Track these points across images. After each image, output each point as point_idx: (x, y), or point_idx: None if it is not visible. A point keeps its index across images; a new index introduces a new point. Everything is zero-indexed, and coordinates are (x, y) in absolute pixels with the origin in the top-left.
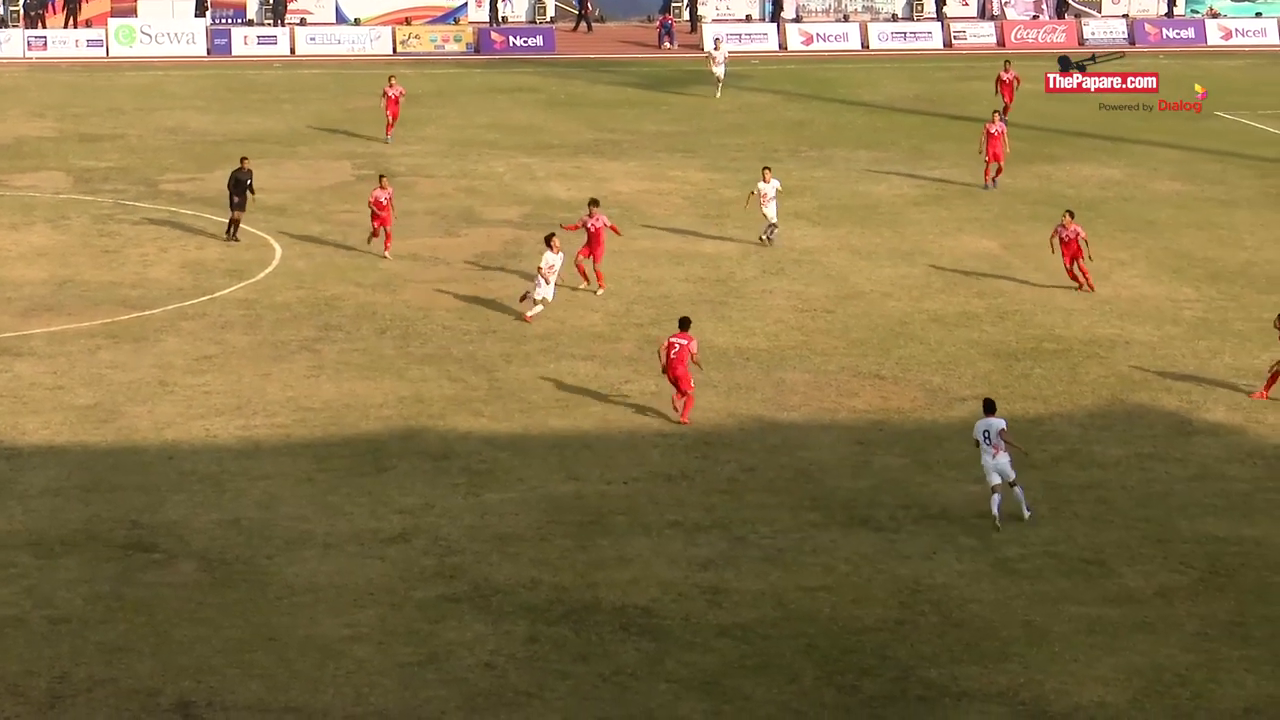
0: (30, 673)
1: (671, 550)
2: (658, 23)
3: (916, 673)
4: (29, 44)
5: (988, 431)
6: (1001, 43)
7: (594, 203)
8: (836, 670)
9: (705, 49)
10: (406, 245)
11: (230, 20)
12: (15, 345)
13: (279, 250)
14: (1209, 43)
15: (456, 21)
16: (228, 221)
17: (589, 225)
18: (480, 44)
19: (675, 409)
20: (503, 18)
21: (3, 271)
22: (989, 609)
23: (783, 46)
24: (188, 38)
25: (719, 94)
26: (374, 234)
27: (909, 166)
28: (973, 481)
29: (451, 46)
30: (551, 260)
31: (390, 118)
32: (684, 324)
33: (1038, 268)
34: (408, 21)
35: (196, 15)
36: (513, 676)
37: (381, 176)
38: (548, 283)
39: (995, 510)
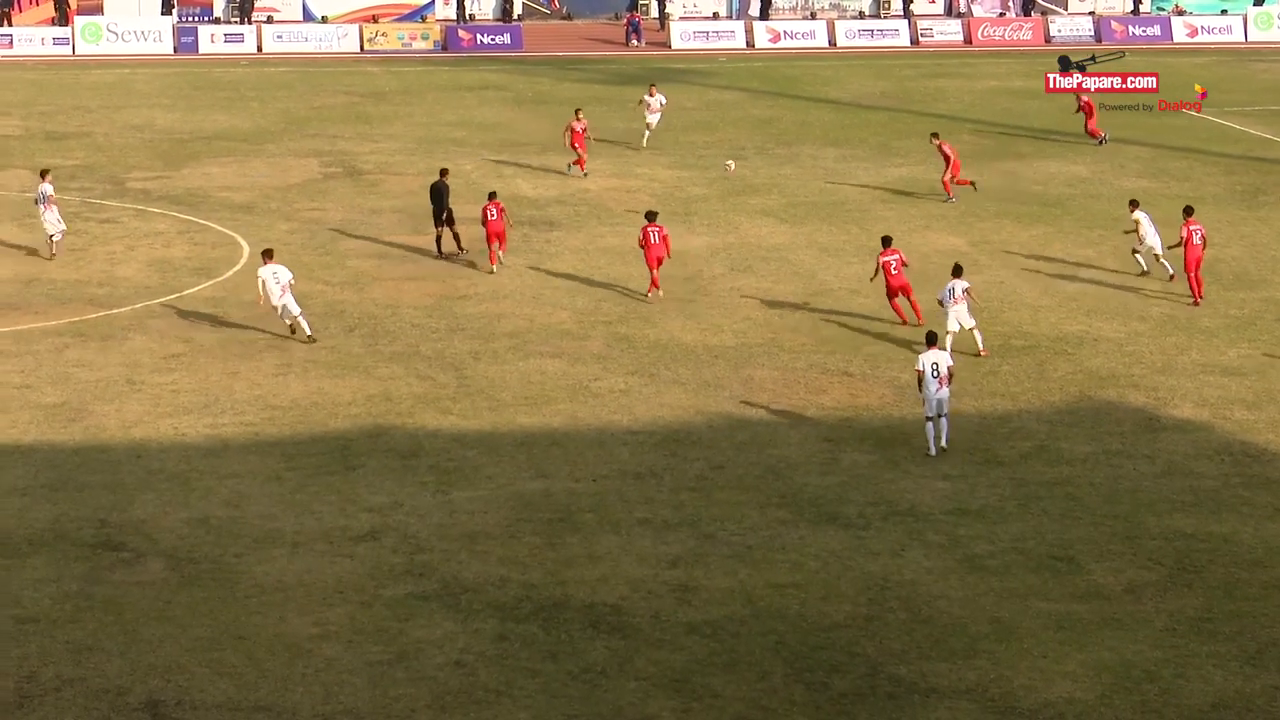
0: None
1: (640, 548)
2: (625, 20)
3: (885, 669)
4: None
5: (936, 365)
6: (968, 40)
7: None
8: (806, 667)
9: (644, 97)
10: (374, 244)
11: (197, 18)
12: None
13: (246, 248)
14: (1175, 40)
15: (424, 19)
16: (444, 238)
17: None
18: (448, 42)
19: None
20: (470, 15)
21: None
22: (957, 605)
23: (750, 44)
24: (154, 35)
25: (645, 143)
26: (491, 254)
27: (876, 163)
28: (940, 478)
29: (419, 44)
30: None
31: (579, 152)
32: (886, 241)
33: (1005, 264)
34: (375, 19)
35: (163, 13)
36: (482, 674)
37: (492, 194)
38: None
39: (931, 440)
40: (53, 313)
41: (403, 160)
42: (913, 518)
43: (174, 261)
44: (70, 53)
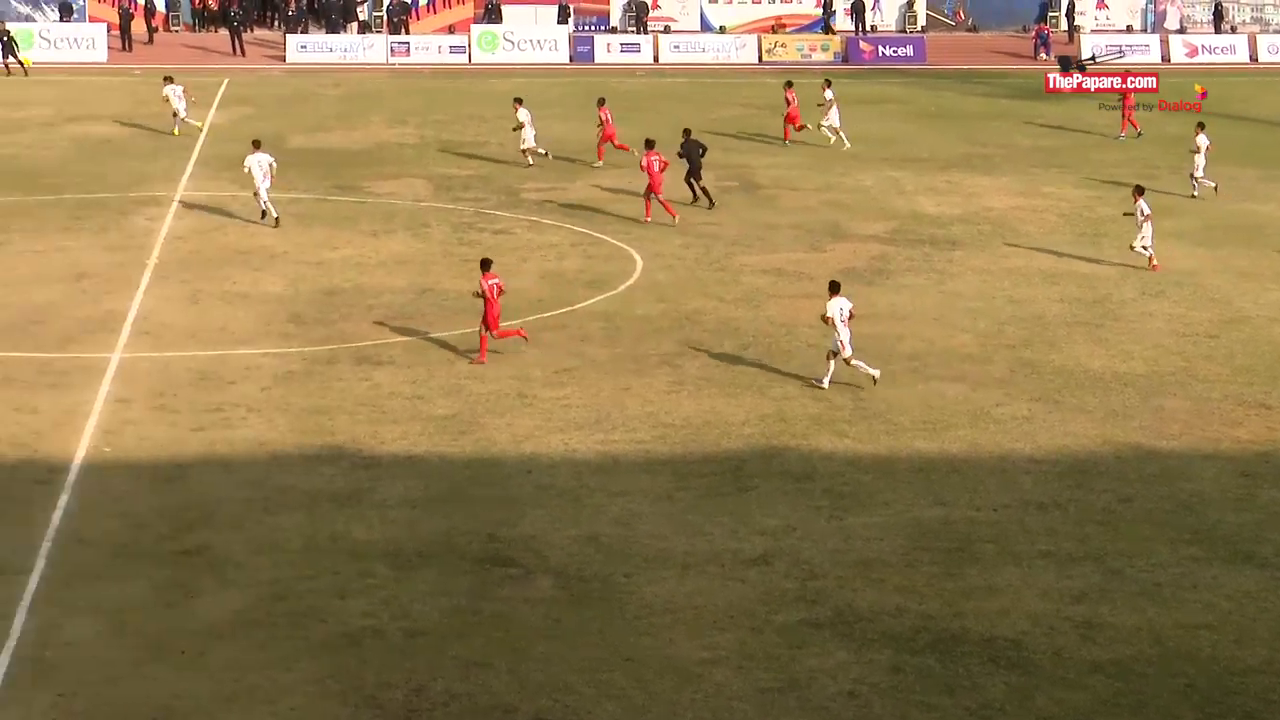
0: (387, 684)
1: (1043, 581)
2: (1033, 32)
3: None
4: (392, 50)
5: (842, 309)
6: None
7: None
8: (1217, 713)
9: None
10: (769, 260)
11: (593, 27)
12: (375, 354)
13: (640, 262)
14: None
15: (827, 31)
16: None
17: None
18: (848, 53)
19: None
20: (871, 26)
21: (364, 279)
22: None
23: (1165, 59)
24: (550, 45)
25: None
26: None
27: None
28: None
29: (818, 55)
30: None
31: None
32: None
33: None
34: (774, 30)
35: (559, 22)
36: (876, 707)
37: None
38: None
39: (866, 368)
40: (444, 324)
41: (799, 175)
42: None
43: (566, 274)
44: (466, 61)
